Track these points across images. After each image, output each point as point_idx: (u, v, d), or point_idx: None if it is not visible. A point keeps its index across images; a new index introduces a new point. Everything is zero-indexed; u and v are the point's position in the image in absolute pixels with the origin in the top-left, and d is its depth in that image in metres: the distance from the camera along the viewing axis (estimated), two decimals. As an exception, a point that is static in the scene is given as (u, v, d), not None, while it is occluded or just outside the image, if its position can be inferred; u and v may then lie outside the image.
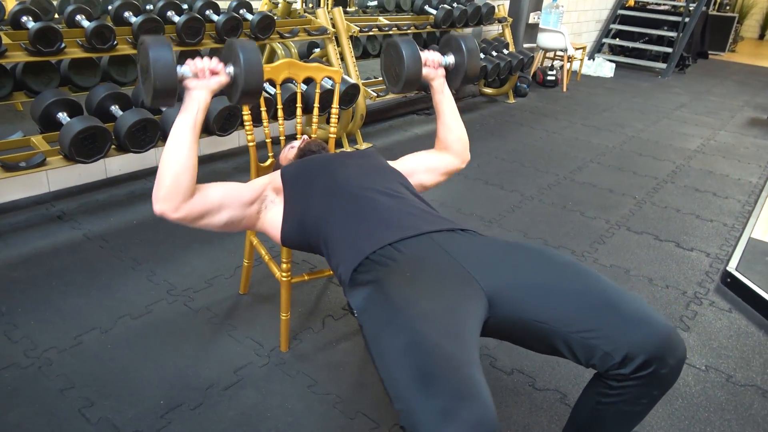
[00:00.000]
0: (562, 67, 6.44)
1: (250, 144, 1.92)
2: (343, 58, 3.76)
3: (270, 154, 2.01)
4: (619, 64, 7.74)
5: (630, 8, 8.23)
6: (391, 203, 1.39)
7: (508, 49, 5.22)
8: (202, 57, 1.39)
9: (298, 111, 2.00)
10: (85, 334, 1.89)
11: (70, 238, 2.48)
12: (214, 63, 1.36)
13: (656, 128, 5.00)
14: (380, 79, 4.24)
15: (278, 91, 1.95)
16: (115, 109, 2.55)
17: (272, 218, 1.52)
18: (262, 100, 1.92)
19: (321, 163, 1.56)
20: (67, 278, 2.18)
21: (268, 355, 1.85)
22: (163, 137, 2.63)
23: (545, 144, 4.36)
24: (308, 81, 3.03)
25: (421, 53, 1.58)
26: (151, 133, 2.52)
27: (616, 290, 1.14)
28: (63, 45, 2.37)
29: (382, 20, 4.07)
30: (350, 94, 3.43)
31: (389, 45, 1.63)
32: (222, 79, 1.36)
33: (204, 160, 3.37)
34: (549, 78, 6.32)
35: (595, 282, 1.15)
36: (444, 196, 3.22)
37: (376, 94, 3.80)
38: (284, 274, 1.76)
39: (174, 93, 1.26)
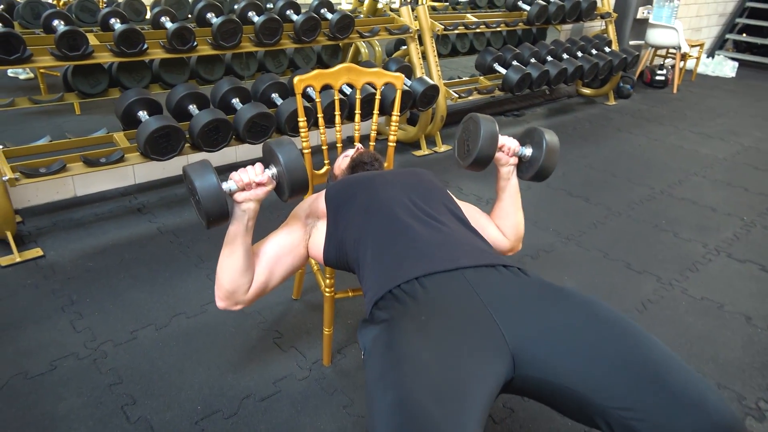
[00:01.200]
0: (673, 66, 5.89)
1: (305, 151, 1.88)
2: (425, 57, 3.65)
3: (326, 162, 1.96)
4: (743, 63, 6.96)
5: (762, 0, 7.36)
6: (427, 230, 1.29)
7: (610, 46, 4.84)
8: (245, 168, 1.34)
9: (357, 117, 1.93)
10: (141, 329, 1.95)
11: (146, 230, 2.60)
12: (258, 171, 1.31)
13: (780, 138, 4.43)
14: (465, 78, 4.08)
15: (337, 97, 1.89)
16: (192, 108, 2.63)
17: (316, 241, 1.48)
18: (318, 106, 1.87)
19: (365, 180, 1.49)
20: (134, 270, 2.28)
21: (309, 368, 1.81)
22: (237, 136, 2.68)
23: (643, 152, 3.99)
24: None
25: (500, 137, 1.50)
26: (224, 133, 2.57)
27: (670, 360, 0.95)
28: (145, 46, 2.47)
29: (470, 17, 3.91)
30: (429, 95, 3.32)
31: (469, 119, 1.53)
32: (268, 188, 1.33)
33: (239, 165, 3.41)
34: (658, 78, 5.80)
35: (645, 346, 0.98)
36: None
37: (457, 95, 3.66)
38: (328, 289, 1.70)
39: (226, 216, 1.26)
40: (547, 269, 2.46)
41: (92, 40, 2.43)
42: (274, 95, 2.90)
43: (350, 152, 1.80)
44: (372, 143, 2.00)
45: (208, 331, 1.97)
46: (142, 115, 2.49)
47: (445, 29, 3.62)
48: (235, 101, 2.76)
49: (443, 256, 1.18)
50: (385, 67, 3.40)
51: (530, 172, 1.55)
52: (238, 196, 1.29)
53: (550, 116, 4.80)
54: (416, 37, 3.56)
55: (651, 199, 3.21)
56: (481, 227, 1.57)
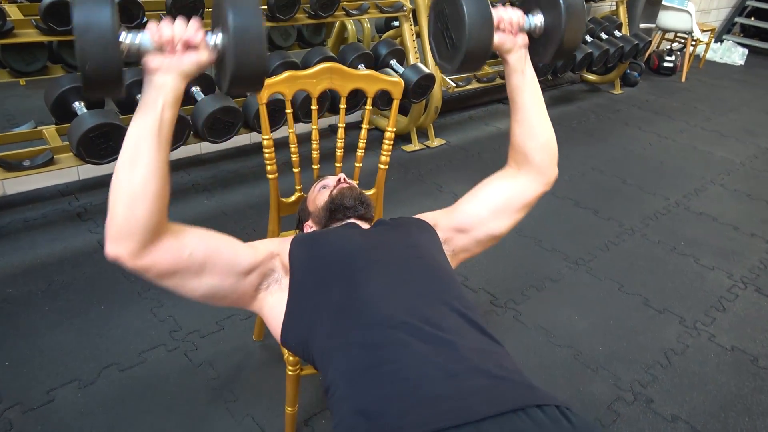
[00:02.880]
0: (682, 51, 5.50)
1: (271, 177, 1.48)
2: (419, 37, 3.20)
3: (298, 187, 1.57)
4: (752, 50, 6.58)
5: (774, -18, 6.93)
6: (431, 352, 0.89)
7: (620, 30, 4.42)
8: (173, 20, 0.88)
9: (338, 143, 1.54)
10: (61, 387, 1.58)
11: (83, 244, 2.19)
12: (192, 29, 0.87)
13: (798, 140, 4.10)
14: (463, 64, 3.65)
15: (314, 107, 1.48)
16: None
17: (275, 306, 1.08)
18: (288, 108, 1.46)
19: (341, 261, 1.07)
20: (63, 301, 1.89)
21: (267, 448, 1.46)
22: (195, 133, 2.26)
23: (655, 153, 3.63)
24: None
25: (494, 11, 1.04)
26: (178, 131, 2.15)
27: None
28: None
29: (472, -6, 3.46)
30: (423, 86, 2.90)
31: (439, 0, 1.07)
32: (202, 57, 0.88)
33: (205, 160, 2.98)
34: (666, 65, 5.41)
35: None
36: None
37: (455, 84, 3.25)
38: (291, 367, 1.33)
39: (117, 80, 0.80)
40: (555, 305, 2.12)
41: (14, 13, 1.97)
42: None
43: (329, 182, 1.40)
44: (360, 151, 1.60)
45: (144, 389, 1.59)
46: (78, 107, 2.05)
47: (443, 8, 3.17)
48: (196, 90, 2.33)
49: (453, 398, 0.81)
50: (375, 51, 2.96)
51: (550, 48, 1.07)
52: (152, 60, 0.85)
53: (552, 105, 4.40)
54: (410, 15, 3.12)
55: (666, 213, 2.87)
56: (502, 194, 1.20)
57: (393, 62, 2.99)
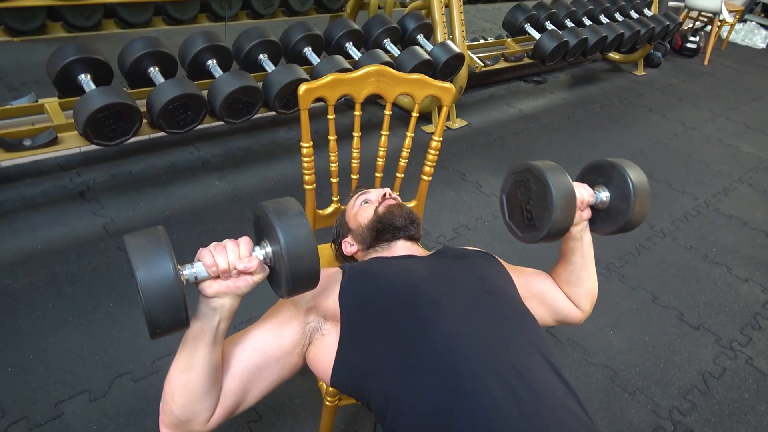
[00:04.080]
0: (707, 31, 5.29)
1: (308, 186, 1.33)
2: (448, 8, 2.98)
3: (335, 198, 1.42)
4: (775, 33, 6.37)
5: (803, -40, 6.66)
6: (517, 410, 0.80)
7: (650, 8, 4.20)
8: (223, 244, 0.82)
9: (379, 161, 1.38)
10: (69, 400, 1.45)
11: (88, 228, 2.03)
12: (245, 253, 0.82)
13: (823, 135, 3.97)
14: (490, 41, 3.44)
15: (357, 113, 1.32)
16: (154, 72, 1.99)
17: (320, 354, 0.98)
18: (331, 113, 1.30)
19: (405, 288, 0.97)
20: (67, 296, 1.74)
21: (295, 479, 1.36)
22: (212, 112, 2.07)
23: (681, 145, 3.49)
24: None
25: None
26: (195, 111, 1.97)
27: None
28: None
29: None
30: (452, 65, 2.72)
31: (528, 171, 1.03)
32: (257, 278, 0.84)
33: (215, 134, 2.81)
34: (689, 45, 5.21)
35: None
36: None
37: (482, 63, 3.05)
38: (329, 398, 1.22)
39: (183, 324, 0.77)
40: (591, 316, 2.01)
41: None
42: (263, 57, 2.26)
43: (371, 196, 1.27)
44: (403, 161, 1.45)
45: (159, 402, 1.47)
46: (85, 80, 1.85)
47: (476, -21, 2.94)
48: (212, 64, 2.13)
49: None
50: (402, 24, 2.75)
51: (611, 226, 1.09)
52: (209, 288, 0.81)
53: (574, 85, 4.22)
54: (441, -15, 2.88)
55: (696, 215, 2.75)
56: (551, 299, 1.18)
57: (420, 38, 2.79)
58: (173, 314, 0.74)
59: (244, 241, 0.83)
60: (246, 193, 2.35)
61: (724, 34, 5.80)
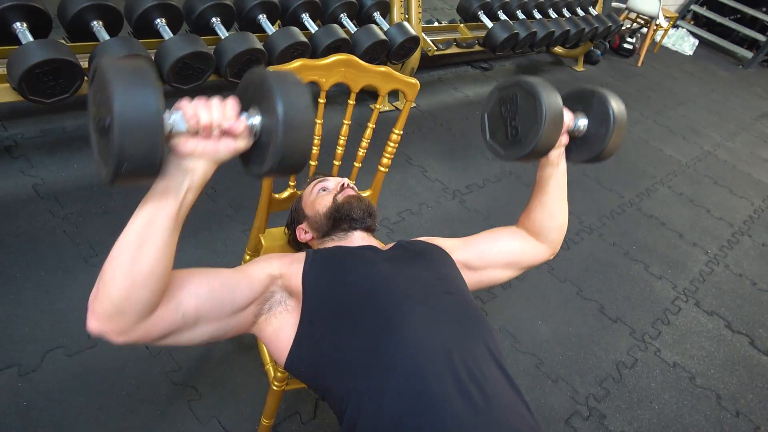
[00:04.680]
0: (643, 33, 5.55)
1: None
2: (405, -9, 2.96)
3: (291, 183, 1.41)
4: (701, 41, 6.78)
5: (732, -25, 7.07)
6: (472, 418, 0.85)
7: (594, 7, 4.36)
8: (208, 97, 0.77)
9: (338, 150, 1.38)
10: (-3, 373, 1.38)
11: (15, 188, 1.90)
12: (231, 114, 0.76)
13: (734, 145, 4.32)
14: (444, 24, 3.45)
15: (322, 100, 1.31)
16: (97, 26, 1.87)
17: (279, 329, 0.98)
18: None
19: (370, 285, 0.99)
20: (-7, 262, 1.64)
21: (235, 457, 1.38)
22: (158, 76, 1.97)
23: (612, 144, 3.69)
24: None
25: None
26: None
27: None
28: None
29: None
30: (406, 48, 2.72)
31: (517, 86, 1.03)
32: (240, 145, 0.78)
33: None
34: (626, 46, 5.46)
35: None
36: (489, 205, 2.63)
37: (436, 47, 3.06)
38: (276, 383, 1.23)
39: (155, 170, 0.69)
40: (521, 305, 2.13)
41: None
42: (215, 21, 2.17)
43: (330, 184, 1.28)
44: (362, 151, 1.46)
45: (95, 379, 1.44)
46: (21, 29, 1.71)
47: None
48: (161, 23, 2.02)
49: None
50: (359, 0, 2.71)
51: (586, 153, 1.11)
52: (184, 144, 0.75)
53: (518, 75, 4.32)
54: (401, -36, 2.86)
55: (621, 213, 2.95)
56: (515, 251, 1.22)
57: (377, 15, 2.76)
58: (148, 149, 0.65)
59: (231, 102, 0.77)
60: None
61: (658, 38, 6.11)
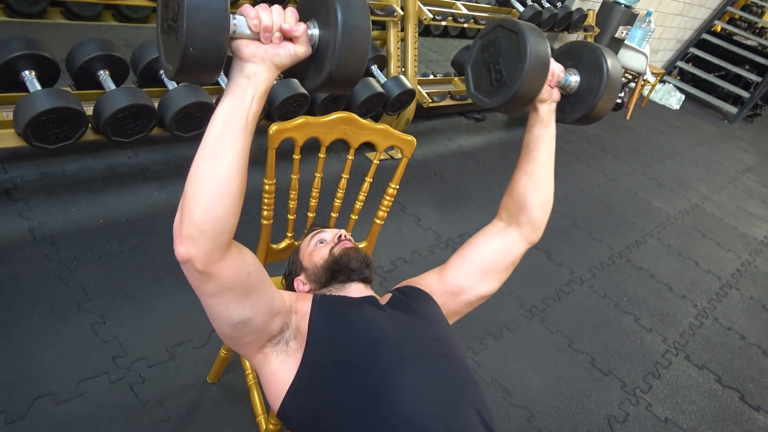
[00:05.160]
0: (631, 87, 5.73)
1: (265, 222, 1.34)
2: (404, 44, 3.07)
3: (289, 234, 1.44)
4: (687, 96, 7.00)
5: (715, 34, 7.39)
6: None
7: (585, 63, 4.51)
8: (270, 3, 0.83)
9: (336, 202, 1.42)
10: (-17, 421, 1.37)
11: (12, 231, 1.91)
12: (290, 18, 0.80)
13: (720, 198, 4.41)
14: (439, 77, 3.57)
15: (322, 155, 1.35)
16: (104, 76, 1.92)
17: (276, 371, 0.99)
18: (297, 154, 1.32)
19: (370, 344, 1.00)
20: (-14, 305, 1.64)
21: None
22: (161, 124, 2.02)
23: (602, 196, 3.77)
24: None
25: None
26: (144, 122, 1.91)
27: None
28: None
29: (460, 6, 3.36)
30: (403, 100, 2.80)
31: (499, 28, 1.00)
32: (299, 50, 0.81)
33: (156, 140, 2.77)
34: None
35: None
36: (482, 256, 2.66)
37: (431, 99, 3.16)
38: (272, 427, 1.23)
39: (220, 65, 0.73)
40: (512, 356, 2.13)
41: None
42: (218, 71, 2.24)
43: (327, 236, 1.30)
44: (359, 204, 1.49)
45: (83, 428, 1.42)
46: (29, 78, 1.76)
47: (433, 19, 3.05)
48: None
49: None
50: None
51: (576, 112, 1.05)
52: (245, 47, 0.78)
53: (510, 126, 4.44)
54: (399, 21, 2.97)
55: (611, 265, 2.98)
56: (492, 254, 1.18)
57: (374, 69, 2.85)
58: (213, 30, 0.69)
59: (291, 9, 0.80)
60: (186, 206, 2.30)
61: (645, 93, 6.31)
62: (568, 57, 1.07)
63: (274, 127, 1.21)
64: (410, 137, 1.40)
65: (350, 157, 1.40)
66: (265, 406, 1.31)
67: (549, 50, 0.96)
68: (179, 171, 2.51)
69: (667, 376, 2.32)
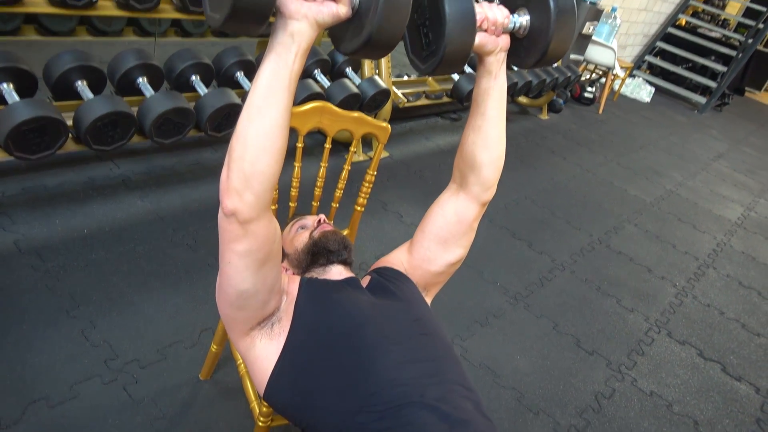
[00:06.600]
0: (602, 83, 5.87)
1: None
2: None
3: (272, 225, 1.47)
4: (657, 89, 7.18)
5: (680, 28, 7.60)
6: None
7: (555, 60, 4.62)
8: None
9: (317, 191, 1.46)
10: (-23, 428, 1.37)
11: (-4, 244, 1.92)
12: None
13: (694, 183, 4.53)
14: (413, 78, 3.63)
15: (300, 144, 1.40)
16: (81, 86, 1.95)
17: (260, 356, 1.02)
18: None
19: (351, 325, 1.03)
20: (-25, 317, 1.65)
21: (221, 502, 1.37)
22: (141, 132, 2.05)
23: (579, 186, 3.85)
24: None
25: (477, 8, 0.93)
26: (123, 129, 1.94)
27: None
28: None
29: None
30: (378, 100, 2.86)
31: None
32: (341, 10, 0.82)
33: (136, 151, 2.81)
34: (586, 95, 5.75)
35: None
36: (465, 248, 2.71)
37: (406, 99, 3.22)
38: (262, 419, 1.25)
39: (267, 15, 0.75)
40: (499, 341, 2.18)
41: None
42: (195, 78, 2.28)
43: (308, 222, 1.34)
44: (339, 191, 1.54)
45: (78, 430, 1.43)
46: (7, 90, 1.78)
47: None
48: (143, 82, 2.11)
49: None
50: (332, 56, 2.86)
51: (531, 55, 0.97)
52: (291, 3, 0.79)
53: (486, 124, 4.52)
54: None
55: (591, 251, 3.05)
56: (445, 224, 1.19)
57: (349, 70, 2.91)
58: None
59: None
60: (169, 213, 2.32)
61: (616, 87, 6.46)
62: None
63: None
64: (385, 123, 1.45)
65: (327, 146, 1.44)
66: (257, 392, 1.34)
67: (473, 5, 0.89)
68: (161, 180, 2.53)
69: (650, 352, 2.38)
